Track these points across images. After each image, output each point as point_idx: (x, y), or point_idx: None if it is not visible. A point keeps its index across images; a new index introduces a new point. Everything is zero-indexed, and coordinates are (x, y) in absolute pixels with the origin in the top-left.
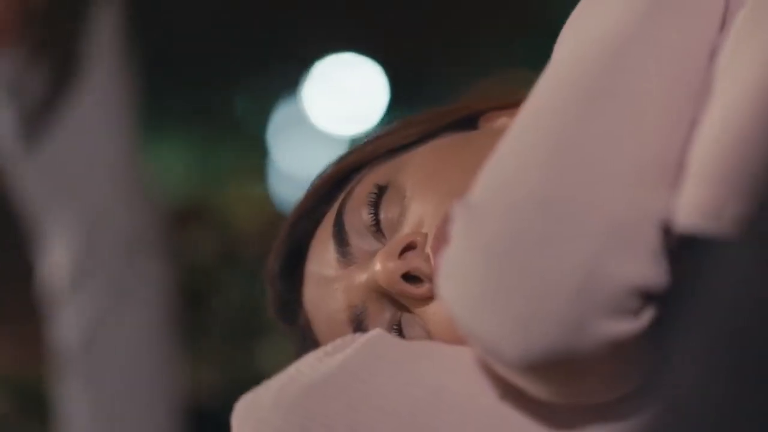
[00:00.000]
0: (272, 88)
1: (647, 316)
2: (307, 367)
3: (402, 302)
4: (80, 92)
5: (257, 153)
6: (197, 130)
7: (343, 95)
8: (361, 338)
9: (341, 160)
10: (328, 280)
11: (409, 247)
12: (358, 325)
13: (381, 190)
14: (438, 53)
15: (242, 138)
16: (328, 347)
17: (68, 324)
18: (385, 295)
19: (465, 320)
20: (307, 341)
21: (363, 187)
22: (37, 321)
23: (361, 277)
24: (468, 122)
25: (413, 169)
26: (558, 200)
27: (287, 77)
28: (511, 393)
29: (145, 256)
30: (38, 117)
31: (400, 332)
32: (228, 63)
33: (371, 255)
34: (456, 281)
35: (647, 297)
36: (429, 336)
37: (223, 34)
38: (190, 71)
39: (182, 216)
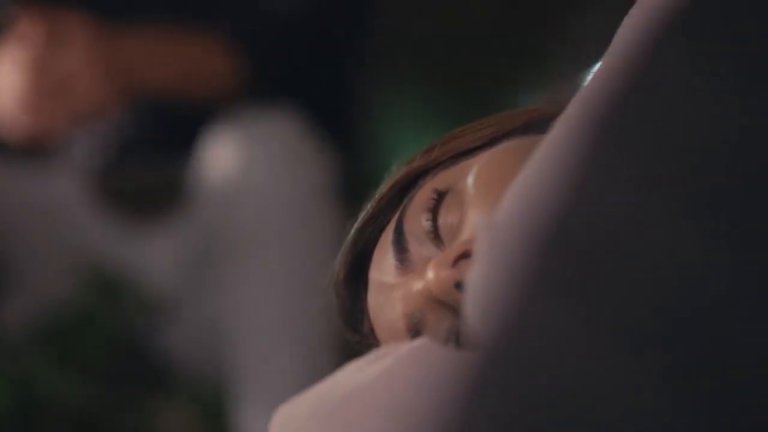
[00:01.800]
0: None
1: None
2: (347, 376)
3: (460, 311)
4: None
5: None
6: None
7: None
8: (404, 347)
9: (407, 164)
10: (388, 287)
11: (464, 255)
12: (416, 333)
13: (440, 196)
14: None
15: None
16: (370, 356)
17: None
18: (442, 303)
19: None
20: (371, 349)
21: (423, 193)
22: None
23: (418, 285)
24: (540, 126)
25: (475, 174)
26: None
27: None
28: None
29: None
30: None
31: (457, 341)
32: None
33: (429, 262)
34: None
35: None
36: None
37: None
38: None
39: None
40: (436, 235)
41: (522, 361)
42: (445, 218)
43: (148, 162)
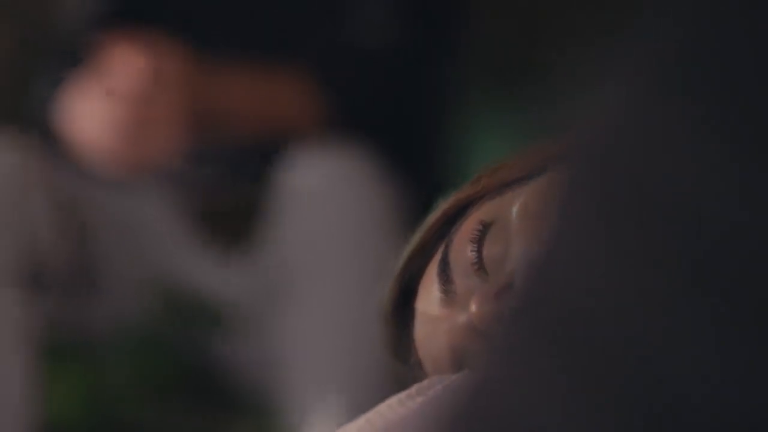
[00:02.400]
0: None
1: None
2: (388, 409)
3: None
4: None
5: None
6: None
7: None
8: (446, 381)
9: (456, 194)
10: (433, 319)
11: (508, 288)
12: (461, 367)
13: (486, 227)
14: None
15: None
16: (412, 389)
17: None
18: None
19: None
20: (419, 380)
21: (469, 224)
22: None
23: (462, 317)
24: None
25: (521, 205)
26: None
27: None
28: None
29: None
30: None
31: None
32: None
33: (474, 294)
34: None
35: None
36: None
37: None
38: None
39: None
40: (480, 267)
41: (497, 407)
42: (490, 250)
43: (226, 188)
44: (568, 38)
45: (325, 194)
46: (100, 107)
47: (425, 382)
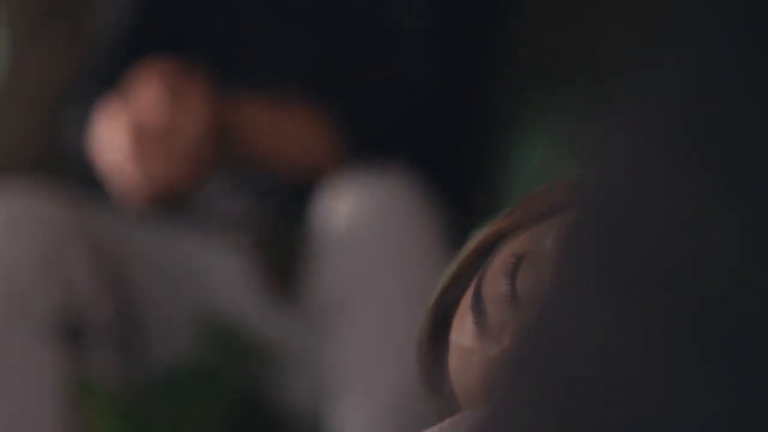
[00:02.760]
0: None
1: None
2: None
3: None
4: None
5: None
6: None
7: None
8: (477, 414)
9: (489, 226)
10: (467, 351)
11: None
12: None
13: (519, 260)
14: None
15: None
16: (444, 423)
17: None
18: None
19: None
20: (452, 413)
21: (502, 256)
22: None
23: (495, 350)
24: None
25: (555, 238)
26: None
27: None
28: None
29: None
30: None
31: None
32: None
33: (508, 327)
34: None
35: None
36: None
37: None
38: None
39: None
40: (514, 300)
41: None
42: (524, 283)
43: (269, 222)
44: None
45: (368, 223)
46: (123, 136)
47: (457, 416)
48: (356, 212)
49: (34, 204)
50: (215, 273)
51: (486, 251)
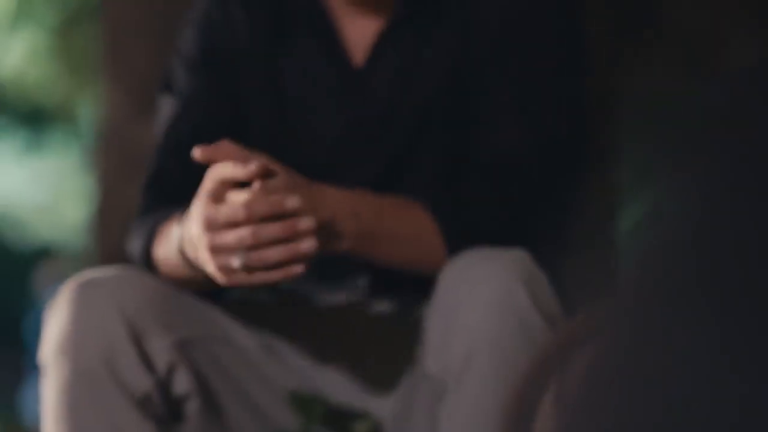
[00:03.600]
0: None
1: None
2: None
3: None
4: None
5: None
6: None
7: None
8: None
9: (557, 335)
10: None
11: None
12: None
13: None
14: None
15: None
16: None
17: None
18: None
19: None
20: None
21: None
22: None
23: None
24: None
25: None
26: None
27: None
28: None
29: None
30: None
31: None
32: None
33: None
34: None
35: None
36: None
37: None
38: None
39: None
40: None
41: None
42: None
43: (369, 306)
44: None
45: (472, 302)
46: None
47: None
48: (463, 292)
49: (127, 291)
50: (304, 352)
51: (558, 359)
